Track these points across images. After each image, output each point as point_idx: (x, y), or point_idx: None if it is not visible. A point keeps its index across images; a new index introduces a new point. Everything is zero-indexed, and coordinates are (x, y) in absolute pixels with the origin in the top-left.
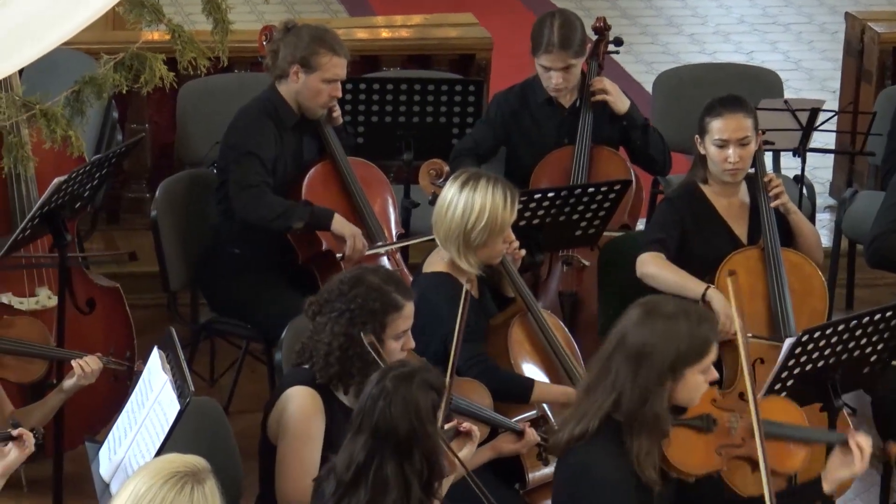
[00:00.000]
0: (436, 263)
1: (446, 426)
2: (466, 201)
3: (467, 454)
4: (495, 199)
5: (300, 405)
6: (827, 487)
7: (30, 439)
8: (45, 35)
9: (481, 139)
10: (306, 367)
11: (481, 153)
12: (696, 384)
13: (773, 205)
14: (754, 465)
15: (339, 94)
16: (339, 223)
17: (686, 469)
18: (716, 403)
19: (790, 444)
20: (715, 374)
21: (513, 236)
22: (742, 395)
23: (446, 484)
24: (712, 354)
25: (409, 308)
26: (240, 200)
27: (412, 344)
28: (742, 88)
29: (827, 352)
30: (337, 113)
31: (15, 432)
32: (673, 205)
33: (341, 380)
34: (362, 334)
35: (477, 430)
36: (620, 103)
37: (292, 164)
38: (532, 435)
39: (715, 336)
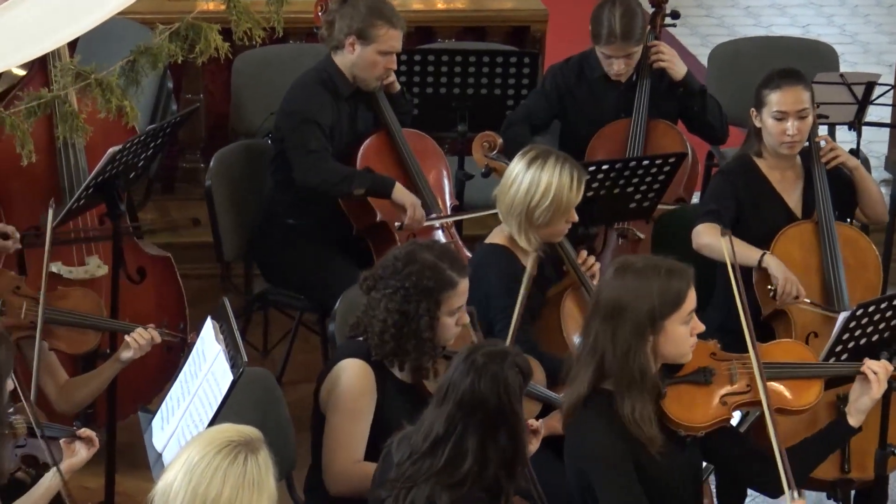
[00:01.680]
0: (496, 235)
1: None
2: (532, 179)
3: (532, 450)
4: (562, 180)
5: (352, 379)
6: (853, 420)
7: (95, 439)
8: (56, 32)
9: (535, 109)
10: (361, 339)
11: (534, 123)
12: (680, 336)
13: (832, 165)
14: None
15: (395, 66)
16: (400, 191)
17: (691, 423)
18: (714, 357)
19: (803, 381)
20: (700, 326)
21: (575, 216)
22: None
23: None
24: (689, 304)
25: (464, 285)
26: (301, 165)
27: (466, 319)
28: (797, 62)
29: (881, 326)
30: (392, 78)
31: (80, 432)
32: (727, 177)
33: (396, 356)
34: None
35: (542, 429)
36: (678, 68)
37: (348, 134)
38: None
39: (687, 286)
